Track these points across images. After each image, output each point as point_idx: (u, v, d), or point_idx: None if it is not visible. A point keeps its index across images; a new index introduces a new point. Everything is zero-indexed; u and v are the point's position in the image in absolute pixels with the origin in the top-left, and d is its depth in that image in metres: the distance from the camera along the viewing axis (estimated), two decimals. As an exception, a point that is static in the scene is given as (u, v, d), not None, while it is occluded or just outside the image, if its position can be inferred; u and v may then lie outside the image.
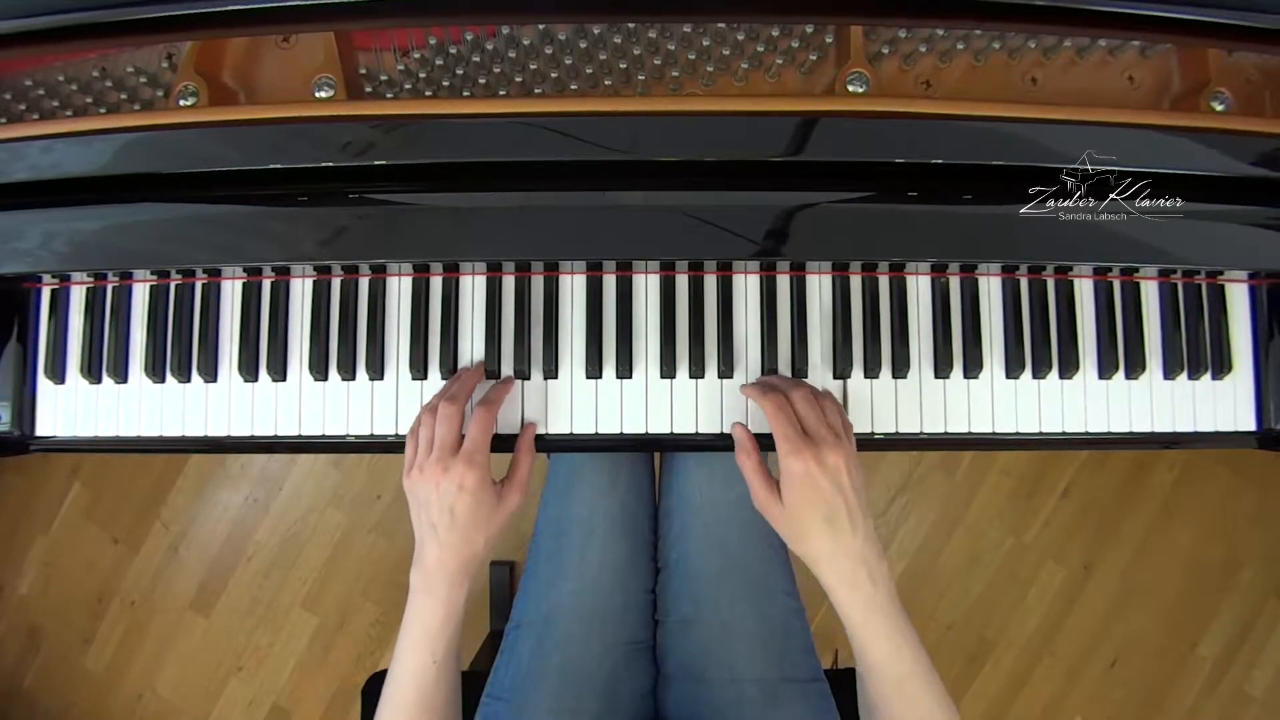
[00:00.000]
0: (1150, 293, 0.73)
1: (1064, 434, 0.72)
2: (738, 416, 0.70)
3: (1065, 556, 1.50)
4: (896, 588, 0.60)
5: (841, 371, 0.71)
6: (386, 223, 0.66)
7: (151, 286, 0.72)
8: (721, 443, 0.70)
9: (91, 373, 0.72)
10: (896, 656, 0.59)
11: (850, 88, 0.65)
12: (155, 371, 0.71)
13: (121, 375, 0.72)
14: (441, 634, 0.62)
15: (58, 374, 0.72)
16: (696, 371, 0.71)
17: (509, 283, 0.72)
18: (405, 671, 0.62)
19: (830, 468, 0.58)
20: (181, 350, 0.71)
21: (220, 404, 0.71)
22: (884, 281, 0.72)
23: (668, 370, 0.71)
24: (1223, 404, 0.72)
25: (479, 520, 0.62)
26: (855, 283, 0.72)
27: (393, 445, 0.71)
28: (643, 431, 0.71)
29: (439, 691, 0.63)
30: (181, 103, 0.66)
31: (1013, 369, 0.71)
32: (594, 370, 0.71)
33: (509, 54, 0.66)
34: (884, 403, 0.71)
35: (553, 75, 0.66)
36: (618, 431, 0.71)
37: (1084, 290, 0.72)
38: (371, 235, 0.66)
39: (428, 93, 0.67)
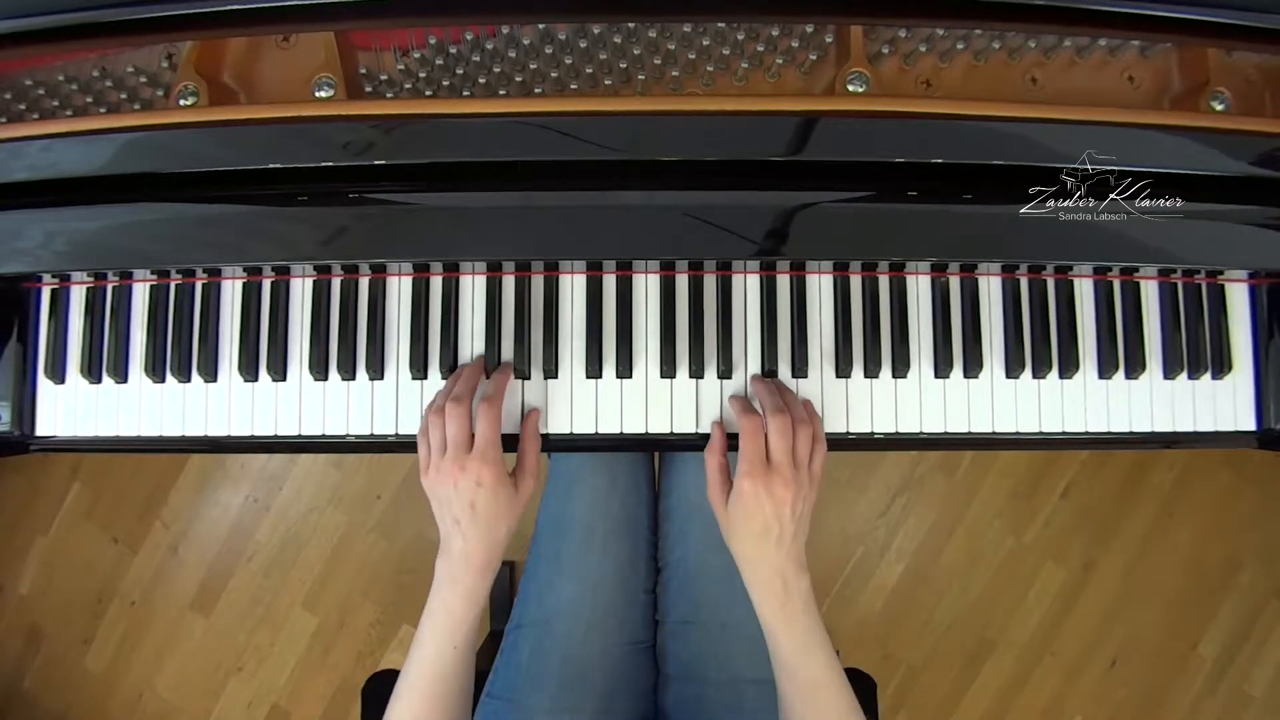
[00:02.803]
0: (1150, 292, 0.73)
1: (1064, 434, 0.72)
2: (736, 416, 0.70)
3: (1065, 556, 1.49)
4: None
5: (842, 371, 0.71)
6: (386, 223, 0.66)
7: (151, 286, 0.72)
8: (721, 443, 0.70)
9: (91, 373, 0.72)
10: (806, 660, 0.63)
11: (850, 87, 0.65)
12: (155, 371, 0.71)
13: (121, 375, 0.72)
14: (464, 621, 0.64)
15: (58, 374, 0.72)
16: (696, 371, 0.71)
17: (509, 283, 0.72)
18: (426, 655, 0.64)
19: (776, 498, 0.62)
20: (181, 350, 0.71)
21: (220, 404, 0.71)
22: (884, 281, 0.72)
23: (668, 370, 0.71)
24: (1223, 404, 0.72)
25: (499, 512, 0.64)
26: (855, 283, 0.72)
27: (393, 445, 0.71)
28: (643, 431, 0.71)
29: (456, 677, 0.64)
30: (181, 102, 0.66)
31: (1013, 369, 0.71)
32: (594, 370, 0.71)
33: (509, 54, 0.66)
34: (884, 403, 0.71)
35: (553, 75, 0.66)
36: (618, 431, 0.71)
37: (1084, 290, 0.72)
38: (371, 235, 0.66)
39: (428, 92, 0.67)
